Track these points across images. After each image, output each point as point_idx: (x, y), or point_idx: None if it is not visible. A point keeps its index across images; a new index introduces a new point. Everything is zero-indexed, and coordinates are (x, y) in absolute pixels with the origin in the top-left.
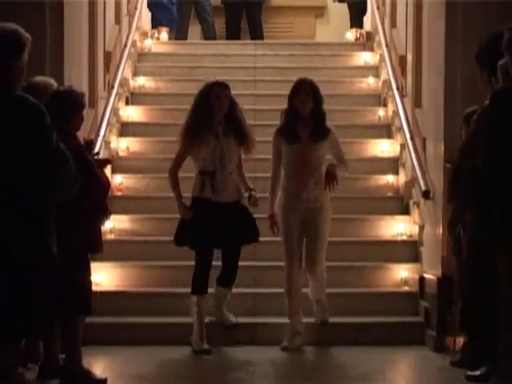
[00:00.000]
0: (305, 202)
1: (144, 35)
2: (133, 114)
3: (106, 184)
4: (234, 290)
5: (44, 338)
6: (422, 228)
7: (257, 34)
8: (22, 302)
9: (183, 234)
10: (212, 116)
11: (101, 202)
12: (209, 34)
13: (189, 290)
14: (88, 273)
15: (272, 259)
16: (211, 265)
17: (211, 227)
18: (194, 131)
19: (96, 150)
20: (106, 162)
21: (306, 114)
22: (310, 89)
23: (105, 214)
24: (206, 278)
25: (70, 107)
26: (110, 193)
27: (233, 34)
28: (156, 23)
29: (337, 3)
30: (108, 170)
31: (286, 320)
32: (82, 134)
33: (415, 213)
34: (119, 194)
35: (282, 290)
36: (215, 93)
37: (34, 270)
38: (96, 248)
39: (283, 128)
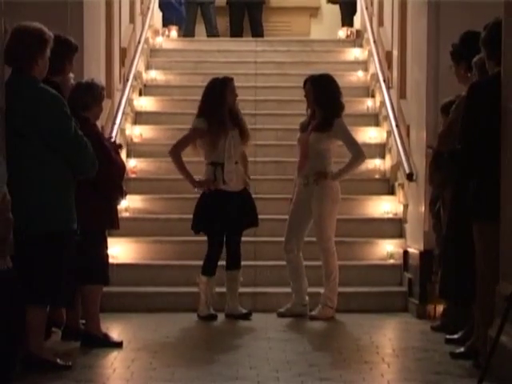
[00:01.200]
0: (306, 185)
1: (156, 33)
2: (145, 104)
3: (121, 167)
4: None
5: (67, 305)
6: (406, 207)
7: (257, 31)
8: (48, 271)
9: (199, 221)
10: (227, 110)
11: (117, 183)
12: (211, 33)
13: (195, 262)
14: (105, 247)
15: (272, 235)
16: (222, 249)
17: (224, 216)
18: (218, 122)
19: (113, 136)
20: (118, 146)
21: (314, 107)
22: (309, 86)
23: (121, 194)
24: (217, 262)
25: (90, 97)
26: (125, 175)
27: (236, 31)
28: (166, 22)
29: (330, 4)
30: (123, 154)
31: (283, 289)
32: (100, 122)
33: (400, 193)
34: (134, 176)
35: (280, 263)
36: (231, 88)
37: (58, 242)
38: (113, 225)
39: (304, 121)
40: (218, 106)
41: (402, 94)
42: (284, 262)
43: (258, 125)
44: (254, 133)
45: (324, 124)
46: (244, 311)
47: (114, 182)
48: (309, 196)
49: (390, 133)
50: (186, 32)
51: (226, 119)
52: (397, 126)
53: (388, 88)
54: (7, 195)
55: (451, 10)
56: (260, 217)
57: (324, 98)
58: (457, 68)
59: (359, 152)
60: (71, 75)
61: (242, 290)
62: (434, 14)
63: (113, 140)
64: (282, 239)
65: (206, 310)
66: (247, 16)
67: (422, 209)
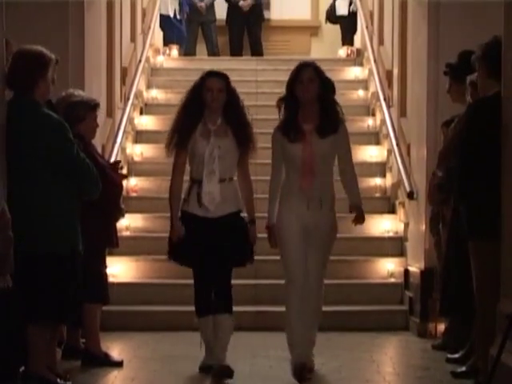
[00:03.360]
0: (306, 209)
1: (157, 52)
2: (146, 122)
3: (118, 185)
4: (236, 282)
5: (69, 323)
6: (406, 225)
7: (257, 50)
8: (52, 291)
9: (173, 250)
10: (202, 112)
11: (114, 201)
12: (212, 51)
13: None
14: (104, 266)
15: (273, 254)
16: (211, 283)
17: (201, 246)
18: (182, 131)
19: (112, 157)
20: (117, 163)
21: (310, 102)
22: (314, 72)
23: (119, 212)
24: (208, 298)
25: (81, 109)
26: (125, 193)
27: (235, 50)
28: (167, 41)
29: (328, 24)
30: (124, 172)
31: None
32: (100, 141)
33: (401, 212)
34: (134, 194)
35: (281, 281)
36: (206, 84)
37: (62, 264)
38: (112, 243)
39: (284, 123)
40: (191, 108)
41: (403, 113)
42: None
43: (259, 143)
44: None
45: (330, 126)
46: (228, 367)
47: (111, 200)
48: (310, 222)
49: (390, 151)
50: (187, 51)
51: (204, 124)
52: (397, 144)
53: (388, 106)
54: (7, 213)
55: (451, 28)
56: (260, 235)
57: (330, 90)
58: (453, 87)
59: (355, 174)
60: (71, 90)
61: (242, 308)
62: (433, 33)
63: (112, 161)
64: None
65: (207, 358)
66: (247, 35)
67: (423, 227)
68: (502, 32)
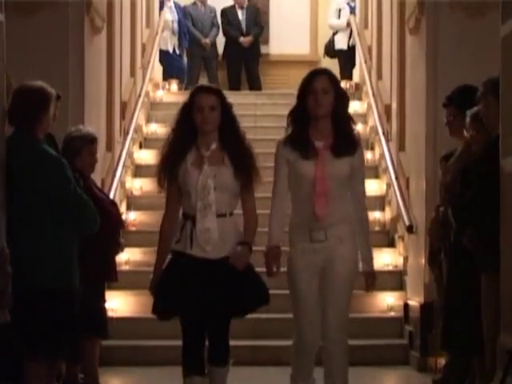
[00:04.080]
0: (322, 242)
1: (156, 86)
2: (146, 157)
3: (116, 220)
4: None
5: (66, 359)
6: (406, 259)
7: (255, 84)
8: (49, 326)
9: (159, 299)
10: (194, 136)
11: (113, 236)
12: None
13: None
14: (103, 300)
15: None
16: (202, 339)
17: (192, 293)
18: (170, 160)
19: (112, 191)
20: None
21: (323, 117)
22: (329, 82)
23: (118, 247)
24: (198, 356)
25: (78, 142)
26: (125, 228)
27: (233, 84)
28: (167, 75)
29: (326, 58)
30: (123, 207)
31: (283, 342)
32: (100, 175)
33: (400, 245)
34: (133, 228)
35: (282, 316)
36: (195, 102)
37: (59, 299)
38: (111, 277)
39: (293, 137)
40: (181, 132)
41: (401, 147)
42: (284, 315)
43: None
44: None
45: (346, 146)
46: None
47: (109, 234)
48: (330, 260)
49: (389, 185)
50: (188, 85)
51: (196, 149)
52: (396, 178)
53: (387, 140)
54: (5, 248)
55: (449, 63)
56: (259, 269)
57: (346, 103)
58: (452, 120)
59: (364, 204)
60: (73, 129)
61: (240, 342)
62: (431, 68)
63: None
64: (285, 291)
65: None
66: (244, 69)
67: (422, 261)
68: (499, 68)
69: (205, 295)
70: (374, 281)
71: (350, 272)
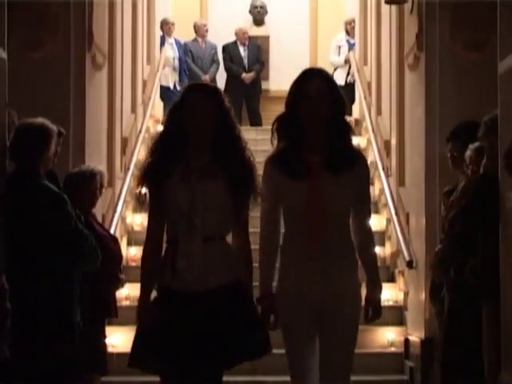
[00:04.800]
0: (320, 277)
1: (157, 122)
2: (147, 191)
3: (117, 255)
4: None
5: None
6: (406, 294)
7: (255, 121)
8: (49, 361)
9: (136, 349)
10: (182, 145)
11: (113, 271)
12: None
13: None
14: (103, 336)
15: None
16: None
17: (170, 346)
18: (154, 171)
19: (113, 227)
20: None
21: (318, 126)
22: (325, 84)
23: (118, 282)
24: None
25: (78, 177)
26: (125, 263)
27: None
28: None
29: None
30: (124, 242)
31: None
32: (101, 211)
33: (400, 280)
34: (134, 264)
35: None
36: (188, 104)
37: (59, 336)
38: (111, 313)
39: (281, 154)
40: (168, 139)
41: (401, 182)
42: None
43: (258, 212)
44: (252, 220)
45: (345, 160)
46: None
47: (109, 270)
48: (327, 299)
49: (389, 220)
50: None
51: (185, 161)
52: (396, 213)
53: (387, 176)
54: (5, 284)
55: (448, 100)
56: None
57: (344, 110)
58: (457, 156)
59: (371, 231)
60: (76, 169)
61: (239, 378)
62: (431, 104)
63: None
64: None
65: None
66: (245, 105)
67: (423, 296)
68: (498, 104)
69: (187, 346)
70: (378, 311)
71: (353, 312)
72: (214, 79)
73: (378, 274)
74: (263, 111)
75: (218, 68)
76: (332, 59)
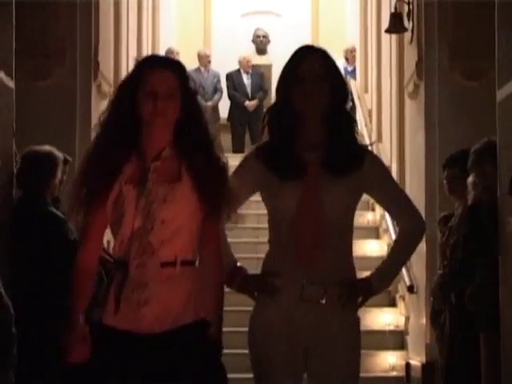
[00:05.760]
0: (310, 309)
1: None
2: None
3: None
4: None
5: None
6: (407, 319)
7: None
8: None
9: None
10: (134, 135)
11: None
12: None
13: None
14: None
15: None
16: None
17: None
18: (94, 172)
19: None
20: None
21: (315, 116)
22: (324, 65)
23: None
24: None
25: None
26: None
27: (237, 147)
28: None
29: None
30: None
31: None
32: (105, 237)
33: (401, 305)
34: None
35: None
36: (146, 84)
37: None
38: None
39: (270, 148)
40: (114, 129)
41: None
42: None
43: (261, 238)
44: (256, 246)
45: (348, 157)
46: None
47: None
48: (316, 335)
49: (390, 245)
50: None
51: (123, 153)
52: None
53: None
54: (10, 309)
55: (447, 127)
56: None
57: (346, 97)
58: (454, 182)
59: (417, 214)
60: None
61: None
62: (430, 132)
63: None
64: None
65: None
66: (249, 132)
67: (424, 321)
68: (497, 132)
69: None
70: (366, 296)
71: (350, 354)
72: (216, 107)
73: (396, 269)
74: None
75: (221, 96)
76: None
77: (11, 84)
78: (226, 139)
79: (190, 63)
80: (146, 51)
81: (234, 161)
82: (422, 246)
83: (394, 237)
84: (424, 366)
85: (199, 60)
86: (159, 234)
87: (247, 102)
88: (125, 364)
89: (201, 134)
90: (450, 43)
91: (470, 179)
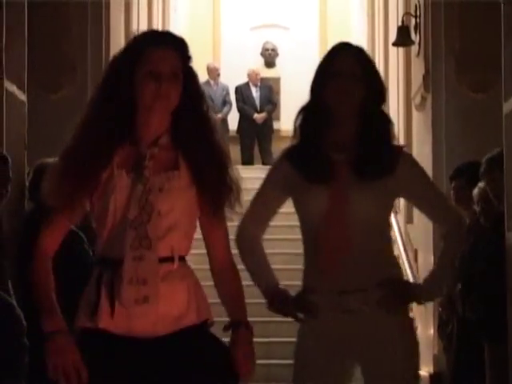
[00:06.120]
0: (349, 306)
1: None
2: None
3: None
4: None
5: None
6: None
7: (267, 160)
8: None
9: None
10: (128, 118)
11: None
12: None
13: None
14: None
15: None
16: None
17: None
18: (81, 159)
19: None
20: None
21: (348, 116)
22: (359, 61)
23: None
24: None
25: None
26: None
27: (246, 159)
28: None
29: None
30: None
31: None
32: None
33: None
34: None
35: None
36: (149, 62)
37: None
38: None
39: (298, 148)
40: (106, 110)
41: (409, 219)
42: None
43: (269, 249)
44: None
45: (384, 158)
46: None
47: None
48: (356, 340)
49: (398, 257)
50: None
51: (114, 138)
52: (405, 250)
53: (395, 213)
54: (23, 320)
55: (454, 140)
56: (270, 319)
57: (383, 98)
58: (461, 193)
59: (457, 215)
60: None
61: None
62: (437, 144)
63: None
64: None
65: None
66: (257, 145)
67: (431, 332)
68: (503, 144)
69: None
70: (398, 298)
71: (409, 364)
72: (226, 119)
73: (448, 273)
74: (275, 150)
75: (230, 108)
76: None
77: (23, 97)
78: (235, 151)
79: (199, 76)
80: None
81: (243, 173)
82: (430, 258)
83: (401, 247)
84: (432, 377)
85: (209, 73)
86: (156, 226)
87: (256, 115)
88: (126, 372)
89: (201, 120)
90: (456, 56)
91: (476, 190)
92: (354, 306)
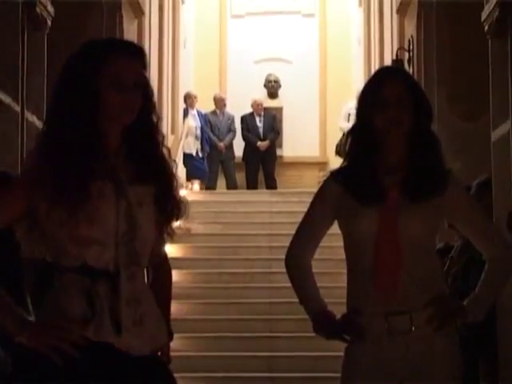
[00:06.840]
0: (396, 328)
1: (180, 186)
2: (169, 250)
3: None
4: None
5: None
6: None
7: (271, 184)
8: None
9: None
10: (96, 129)
11: None
12: (231, 185)
13: None
14: None
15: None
16: None
17: None
18: (70, 171)
19: None
20: None
21: (397, 141)
22: (406, 87)
23: None
24: None
25: None
26: None
27: (251, 184)
28: (189, 176)
29: (337, 157)
30: None
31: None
32: None
33: None
34: None
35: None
36: (115, 72)
37: None
38: None
39: (348, 171)
40: (72, 119)
41: None
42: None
43: (274, 268)
44: (269, 276)
45: (431, 182)
46: None
47: None
48: (408, 366)
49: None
50: (209, 185)
51: (105, 155)
52: None
53: None
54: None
55: (446, 165)
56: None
57: (430, 119)
58: None
59: (506, 243)
60: None
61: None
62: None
63: None
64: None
65: None
66: (262, 170)
67: None
68: (492, 169)
69: None
70: (451, 317)
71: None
72: (231, 145)
73: (492, 297)
74: (278, 176)
75: (234, 136)
76: (341, 125)
77: (38, 124)
78: (241, 177)
79: (207, 106)
80: (166, 95)
81: (249, 197)
82: None
83: None
84: None
85: (215, 103)
86: (141, 241)
87: (259, 143)
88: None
89: (153, 131)
90: (448, 87)
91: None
92: (401, 327)
